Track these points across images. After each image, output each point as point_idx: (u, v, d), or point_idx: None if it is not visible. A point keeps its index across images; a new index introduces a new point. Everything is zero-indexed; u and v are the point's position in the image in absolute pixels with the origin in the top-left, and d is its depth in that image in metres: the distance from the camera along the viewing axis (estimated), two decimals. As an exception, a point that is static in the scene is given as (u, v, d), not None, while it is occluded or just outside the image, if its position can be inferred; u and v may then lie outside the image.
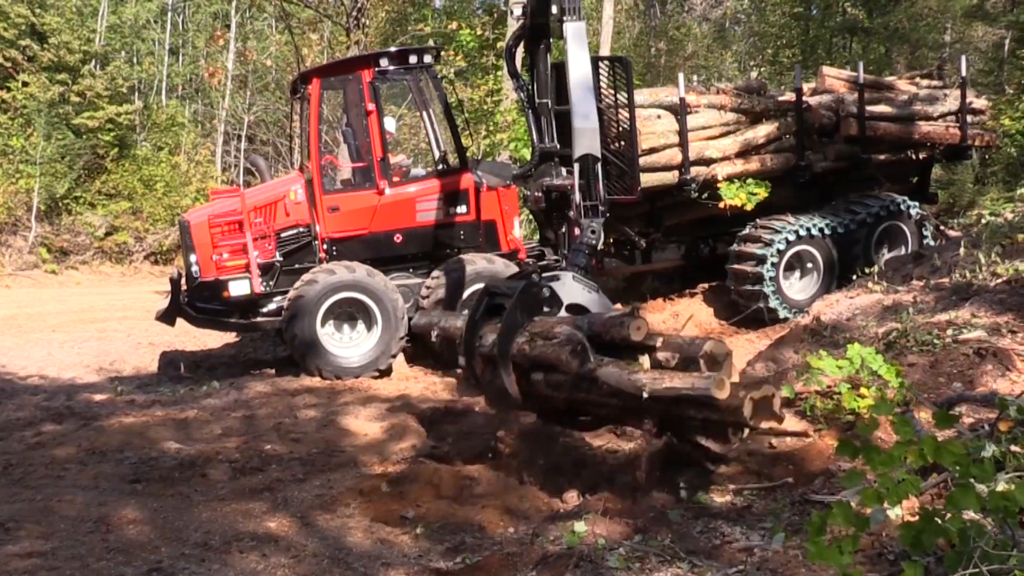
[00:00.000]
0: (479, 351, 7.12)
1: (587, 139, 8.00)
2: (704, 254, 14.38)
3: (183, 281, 11.81)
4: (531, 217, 15.82)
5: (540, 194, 12.55)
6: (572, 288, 7.36)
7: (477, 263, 11.61)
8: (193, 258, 11.59)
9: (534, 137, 12.34)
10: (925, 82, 14.92)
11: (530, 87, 12.52)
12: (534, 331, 6.64)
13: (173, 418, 9.06)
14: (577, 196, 8.02)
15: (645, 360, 5.89)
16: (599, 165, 8.09)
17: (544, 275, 7.47)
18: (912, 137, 13.75)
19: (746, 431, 5.31)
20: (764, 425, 5.41)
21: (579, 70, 8.29)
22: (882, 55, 31.75)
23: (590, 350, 5.96)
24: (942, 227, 14.45)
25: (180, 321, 11.96)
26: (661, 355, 5.91)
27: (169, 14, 36.71)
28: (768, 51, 35.21)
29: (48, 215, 27.35)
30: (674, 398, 5.31)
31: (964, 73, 14.28)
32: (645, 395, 5.34)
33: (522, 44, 12.63)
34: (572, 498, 6.12)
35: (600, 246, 8.34)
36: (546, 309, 7.03)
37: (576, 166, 8.05)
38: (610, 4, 27.03)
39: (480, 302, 7.39)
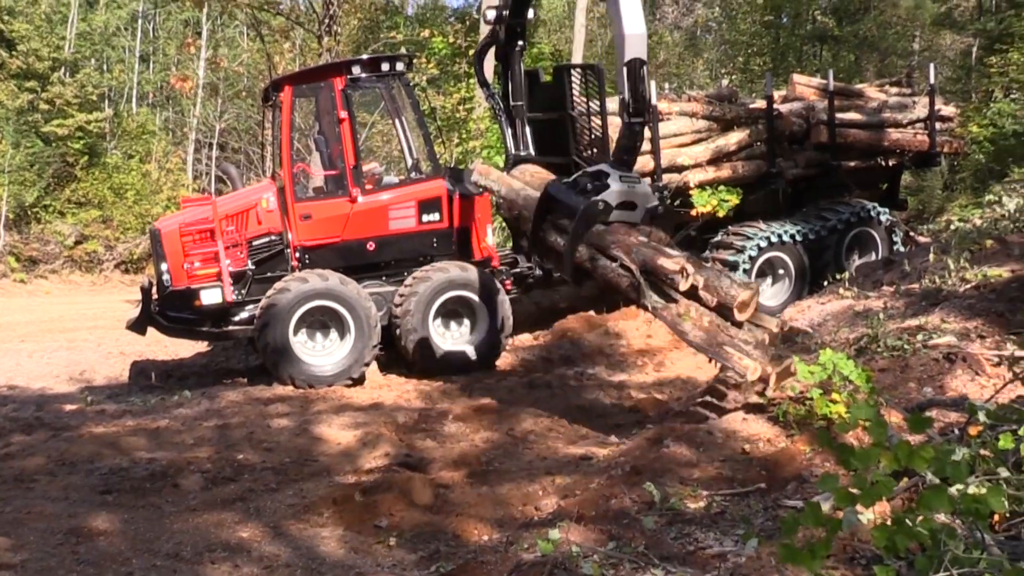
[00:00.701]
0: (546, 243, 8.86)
1: (636, 44, 8.38)
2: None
3: (154, 290, 11.74)
4: (504, 224, 15.81)
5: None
6: (621, 189, 8.34)
7: (450, 271, 11.59)
8: (164, 267, 11.52)
9: (508, 144, 12.37)
10: (894, 90, 15.05)
11: (502, 93, 12.55)
12: (595, 244, 8.17)
13: (144, 428, 8.99)
14: (627, 95, 8.40)
15: (692, 309, 7.33)
16: (645, 68, 8.46)
17: (594, 180, 8.40)
18: (882, 144, 13.86)
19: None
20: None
21: None
22: (852, 63, 32.04)
23: (645, 287, 7.51)
24: (912, 233, 14.57)
25: (151, 330, 11.88)
26: (702, 294, 7.31)
27: (140, 21, 36.52)
28: (739, 59, 35.44)
29: (17, 224, 27.12)
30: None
31: (933, 81, 14.42)
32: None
33: (492, 51, 12.68)
34: (547, 505, 6.12)
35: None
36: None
37: (624, 70, 8.38)
38: (582, 13, 27.19)
39: (542, 207, 8.83)
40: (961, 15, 37.07)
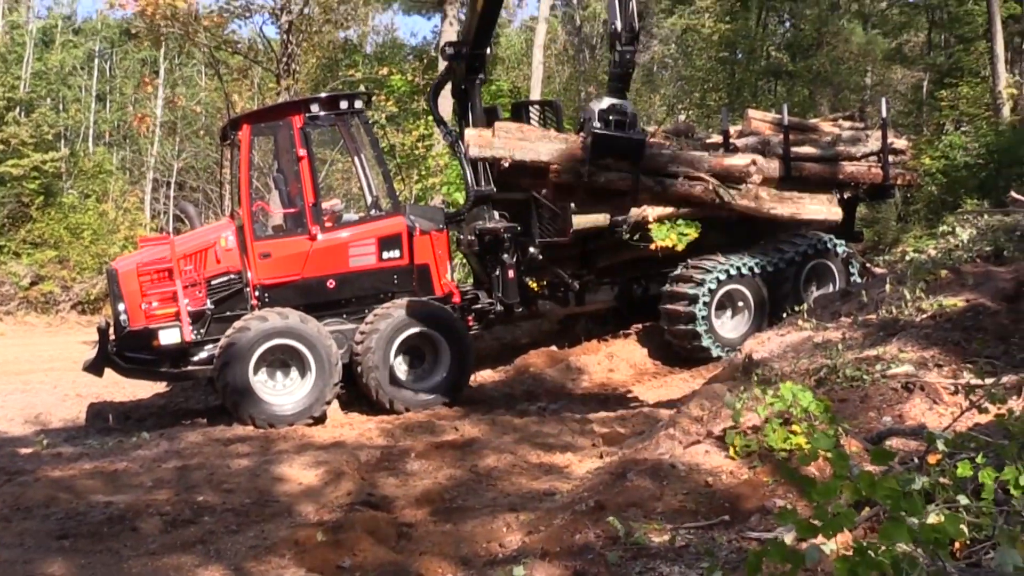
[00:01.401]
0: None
1: None
2: (637, 295, 14.51)
3: (111, 330, 11.61)
4: (464, 260, 15.84)
5: (473, 237, 12.69)
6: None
7: (411, 307, 11.57)
8: (122, 307, 11.41)
9: (469, 180, 12.44)
10: (847, 123, 15.28)
11: (461, 127, 12.65)
12: (654, 169, 9.72)
13: (102, 471, 8.85)
14: (617, 24, 8.90)
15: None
16: (634, 1, 9.00)
17: (617, 114, 8.93)
18: (837, 177, 14.02)
19: None
20: None
21: None
22: (806, 97, 32.48)
23: (721, 188, 9.98)
24: (868, 264, 14.74)
25: (109, 372, 11.73)
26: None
27: (96, 60, 36.38)
28: (695, 94, 35.79)
29: (-30, 265, 26.76)
30: None
31: (885, 114, 14.65)
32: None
33: (449, 88, 12.78)
34: (511, 542, 6.09)
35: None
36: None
37: (616, 2, 8.88)
38: (540, 50, 27.42)
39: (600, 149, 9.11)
40: (911, 50, 37.86)
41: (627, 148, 8.99)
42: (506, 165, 9.65)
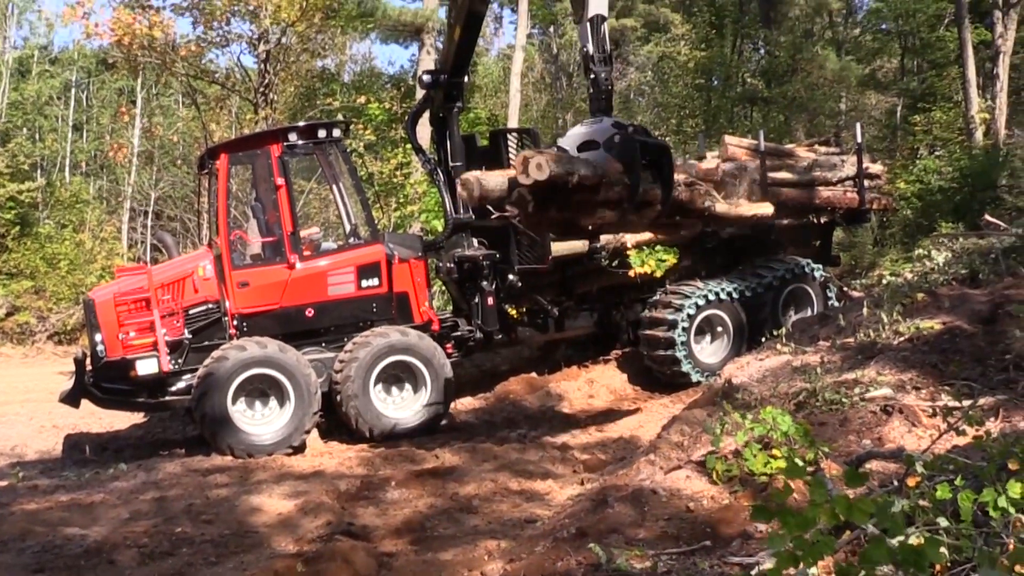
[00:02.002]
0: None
1: (598, 1, 8.90)
2: (616, 321, 14.53)
3: (88, 361, 11.52)
4: (443, 288, 15.83)
5: (452, 265, 12.70)
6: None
7: (391, 335, 11.55)
8: (98, 337, 11.33)
9: (448, 208, 12.48)
10: (823, 149, 15.40)
11: (439, 155, 12.69)
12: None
13: (78, 503, 8.75)
14: (590, 48, 8.90)
15: None
16: (605, 23, 8.97)
17: (621, 128, 8.72)
18: (813, 202, 14.12)
19: None
20: None
21: None
22: (781, 123, 32.74)
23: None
24: (845, 288, 14.82)
25: (85, 402, 11.63)
26: None
27: (73, 90, 36.29)
28: (672, 121, 36.03)
29: (-55, 296, 26.56)
30: None
31: (860, 139, 14.77)
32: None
33: (427, 115, 12.83)
34: (492, 570, 6.05)
35: None
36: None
37: (588, 24, 8.88)
38: (517, 79, 27.57)
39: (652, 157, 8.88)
40: (885, 76, 38.29)
41: (659, 152, 8.85)
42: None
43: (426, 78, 12.72)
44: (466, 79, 12.59)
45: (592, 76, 8.97)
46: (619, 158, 8.58)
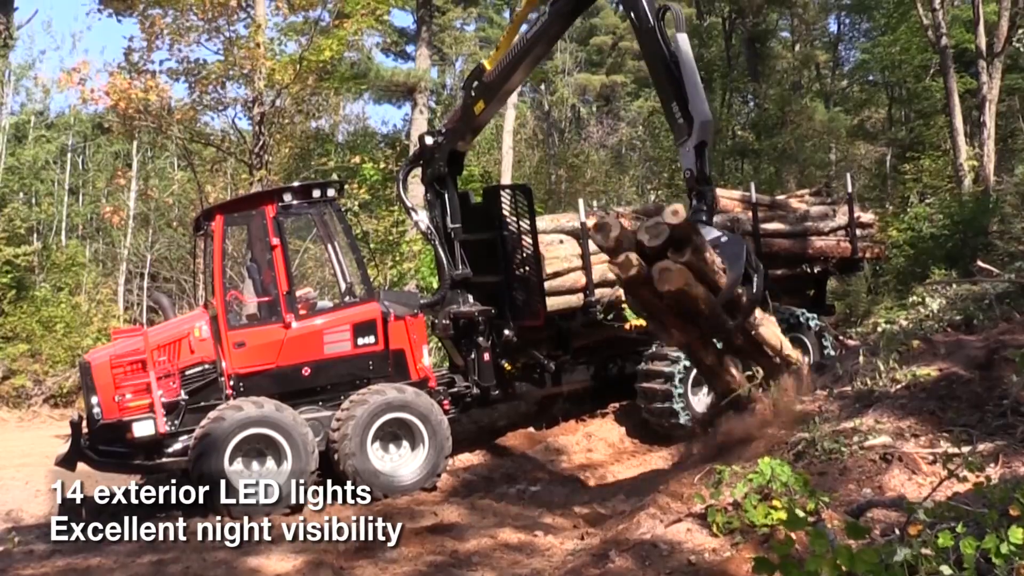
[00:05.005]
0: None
1: (707, 129, 9.57)
2: (613, 374, 14.50)
3: (84, 424, 11.48)
4: (439, 345, 15.83)
5: (448, 321, 12.74)
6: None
7: (387, 393, 11.53)
8: (95, 400, 11.30)
9: (444, 264, 12.57)
10: (814, 199, 15.51)
11: (433, 214, 12.82)
12: None
13: (75, 567, 8.68)
14: (694, 170, 9.53)
15: None
16: (707, 150, 9.59)
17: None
18: (806, 252, 14.20)
19: None
20: None
21: (691, 64, 9.70)
22: (772, 175, 32.95)
23: None
24: (841, 337, 14.84)
25: (82, 465, 11.56)
26: None
27: (69, 154, 36.47)
28: (664, 174, 36.25)
29: (-59, 360, 26.45)
30: None
31: (850, 189, 14.90)
32: None
33: (420, 174, 13.00)
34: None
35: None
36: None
37: (693, 151, 9.52)
38: (509, 135, 27.82)
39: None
40: (873, 126, 38.67)
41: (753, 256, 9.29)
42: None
43: (428, 140, 12.93)
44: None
45: (696, 193, 9.58)
46: (725, 255, 8.93)
